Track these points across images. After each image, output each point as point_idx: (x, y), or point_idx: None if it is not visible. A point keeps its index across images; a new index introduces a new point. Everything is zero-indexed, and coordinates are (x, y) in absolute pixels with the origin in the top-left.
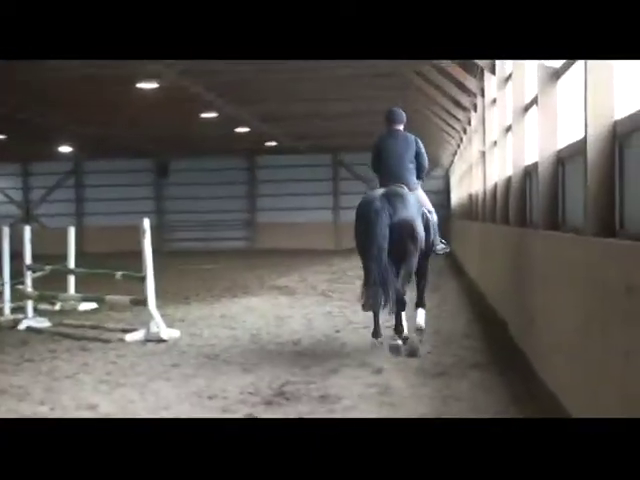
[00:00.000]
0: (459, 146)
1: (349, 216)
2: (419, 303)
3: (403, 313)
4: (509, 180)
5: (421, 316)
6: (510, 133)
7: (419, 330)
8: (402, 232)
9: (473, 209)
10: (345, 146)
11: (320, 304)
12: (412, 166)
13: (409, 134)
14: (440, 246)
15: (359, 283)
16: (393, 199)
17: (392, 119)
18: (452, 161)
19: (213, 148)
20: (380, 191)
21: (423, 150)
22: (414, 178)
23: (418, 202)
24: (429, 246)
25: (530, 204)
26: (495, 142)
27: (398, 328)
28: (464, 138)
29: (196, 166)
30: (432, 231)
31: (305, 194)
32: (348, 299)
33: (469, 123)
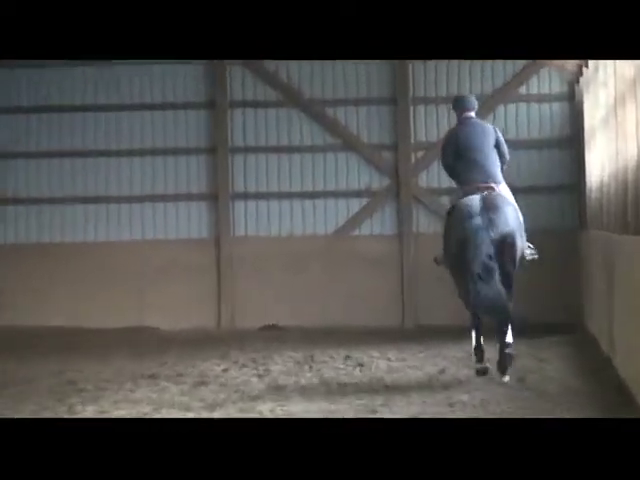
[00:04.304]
0: None
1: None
2: None
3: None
4: None
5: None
6: None
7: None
8: (503, 250)
9: None
10: None
11: None
12: (496, 157)
13: (485, 123)
14: (528, 251)
15: None
16: (493, 211)
17: (463, 106)
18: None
19: None
20: (476, 201)
21: (503, 139)
22: (499, 170)
23: (516, 210)
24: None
25: None
26: None
27: (482, 350)
28: None
29: None
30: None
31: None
32: None
33: None
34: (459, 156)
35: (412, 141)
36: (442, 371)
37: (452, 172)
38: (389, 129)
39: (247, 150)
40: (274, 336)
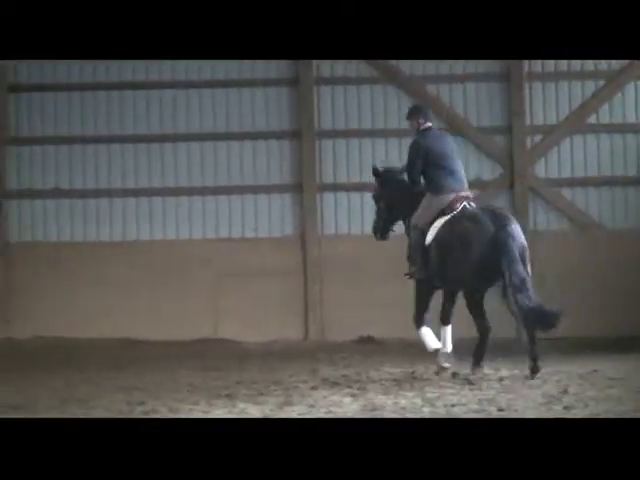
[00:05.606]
0: None
1: None
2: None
3: None
4: None
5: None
6: None
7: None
8: (524, 260)
9: None
10: None
11: None
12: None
13: (446, 132)
14: None
15: None
16: (506, 221)
17: (422, 117)
18: None
19: None
20: (486, 213)
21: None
22: None
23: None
24: None
25: None
26: None
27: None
28: None
29: None
30: None
31: None
32: None
33: None
34: (431, 164)
35: (528, 123)
36: (564, 391)
37: (423, 179)
38: (501, 109)
39: (336, 134)
40: (370, 350)
